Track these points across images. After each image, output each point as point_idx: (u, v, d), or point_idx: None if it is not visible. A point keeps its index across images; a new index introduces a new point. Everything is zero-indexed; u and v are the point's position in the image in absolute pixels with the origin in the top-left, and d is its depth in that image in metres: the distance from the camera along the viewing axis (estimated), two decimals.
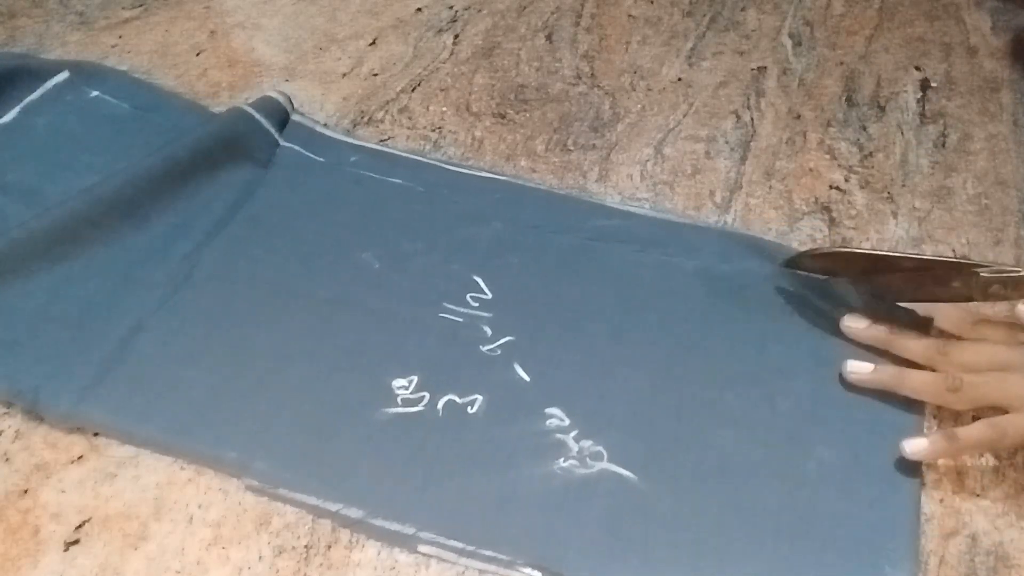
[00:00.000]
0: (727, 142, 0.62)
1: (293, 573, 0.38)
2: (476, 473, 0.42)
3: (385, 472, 0.42)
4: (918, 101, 0.67)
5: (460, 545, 0.39)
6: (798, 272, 0.51)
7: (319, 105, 0.63)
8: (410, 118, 0.63)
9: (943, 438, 0.42)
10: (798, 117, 0.65)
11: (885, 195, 0.58)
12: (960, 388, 0.42)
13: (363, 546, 0.40)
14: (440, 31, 0.72)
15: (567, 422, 0.44)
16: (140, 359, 0.46)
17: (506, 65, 0.69)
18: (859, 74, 0.69)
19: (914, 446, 0.42)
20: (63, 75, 0.62)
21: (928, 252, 0.54)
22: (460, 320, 0.49)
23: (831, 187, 0.59)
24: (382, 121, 0.63)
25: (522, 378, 0.46)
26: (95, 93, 0.61)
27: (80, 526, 0.40)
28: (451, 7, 0.74)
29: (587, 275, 0.52)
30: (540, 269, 0.52)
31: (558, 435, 0.44)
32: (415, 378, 0.46)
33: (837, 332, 0.48)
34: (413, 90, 0.66)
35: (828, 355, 0.47)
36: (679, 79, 0.68)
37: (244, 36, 0.70)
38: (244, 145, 0.58)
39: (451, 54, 0.69)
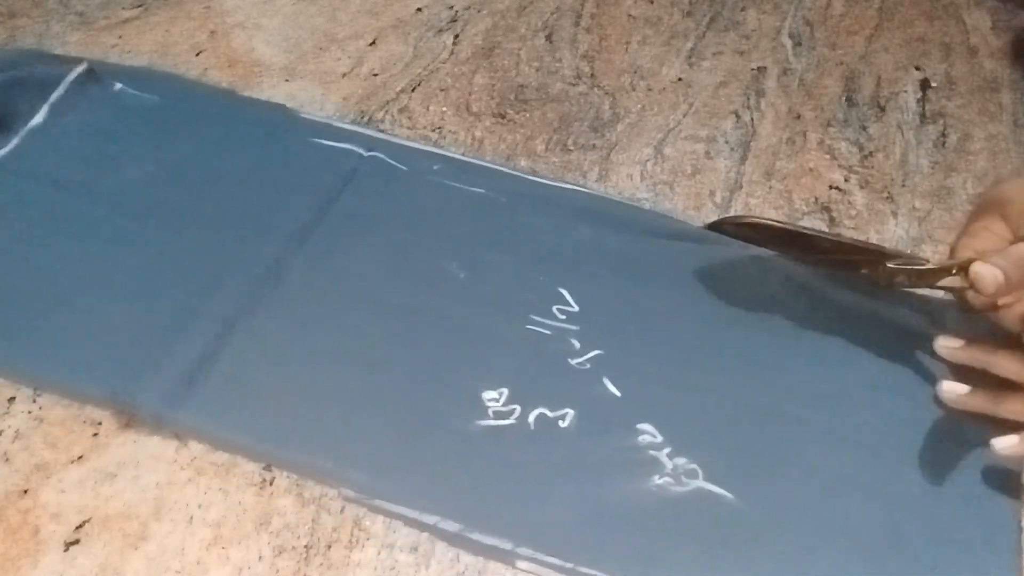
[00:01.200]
0: (727, 142, 0.62)
1: (293, 573, 0.38)
2: (571, 489, 0.42)
3: (480, 485, 0.42)
4: (918, 101, 0.67)
5: (559, 562, 0.39)
6: (720, 234, 0.53)
7: (319, 105, 0.63)
8: (410, 118, 0.63)
9: None
10: (798, 117, 0.65)
11: (885, 195, 0.58)
12: None
13: (363, 546, 0.40)
14: (440, 31, 0.72)
15: (659, 438, 0.44)
16: (230, 364, 0.45)
17: (506, 65, 0.69)
18: (859, 74, 0.69)
19: (1004, 443, 0.41)
20: (82, 67, 0.61)
21: (928, 252, 0.54)
22: (548, 332, 0.48)
23: (831, 187, 0.59)
24: (382, 121, 0.62)
25: (612, 393, 0.46)
26: (119, 85, 0.61)
27: (80, 526, 0.40)
28: (451, 7, 0.74)
29: (674, 286, 0.51)
30: (626, 280, 0.51)
31: (651, 452, 0.43)
32: (505, 391, 0.45)
33: (927, 350, 0.47)
34: (413, 90, 0.66)
35: (918, 370, 0.47)
36: (679, 79, 0.68)
37: (244, 36, 0.70)
38: (330, 153, 0.58)
39: (451, 54, 0.69)
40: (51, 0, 0.72)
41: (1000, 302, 0.43)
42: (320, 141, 0.59)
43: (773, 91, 0.67)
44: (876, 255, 0.47)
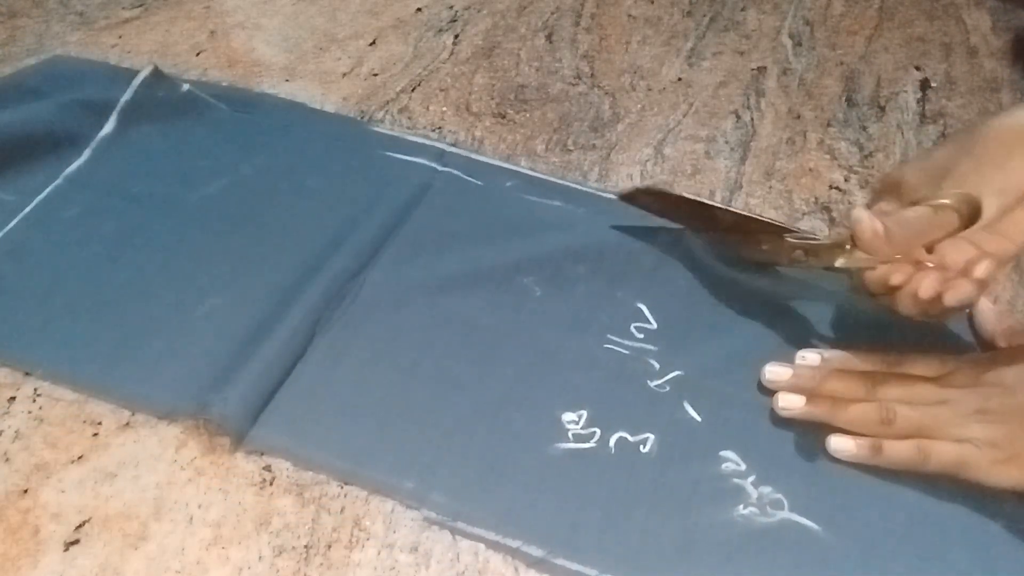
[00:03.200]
0: (727, 142, 0.62)
1: (293, 573, 0.38)
2: (655, 516, 0.41)
3: (563, 510, 0.41)
4: (918, 101, 0.67)
5: None
6: (632, 207, 0.53)
7: (319, 105, 0.63)
8: (410, 118, 0.63)
9: (869, 447, 0.42)
10: (798, 117, 0.65)
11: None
12: (894, 420, 0.42)
13: (363, 546, 0.40)
14: (440, 31, 0.72)
15: (743, 467, 0.43)
16: (309, 380, 0.45)
17: (506, 65, 0.69)
18: (859, 74, 0.69)
19: (839, 444, 0.43)
20: (148, 69, 0.60)
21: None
22: (626, 352, 0.47)
23: (831, 187, 0.59)
24: (382, 121, 0.62)
25: (693, 418, 0.45)
26: (186, 87, 0.61)
27: (80, 526, 0.40)
28: (451, 7, 0.74)
29: (754, 306, 0.50)
30: (705, 298, 0.50)
31: (735, 480, 0.42)
32: (584, 413, 0.44)
33: None
34: (413, 90, 0.66)
35: None
36: (679, 79, 0.68)
37: (244, 36, 0.70)
38: (404, 167, 0.57)
39: (451, 54, 0.69)
40: (51, 0, 0.72)
41: (892, 281, 0.43)
42: (393, 155, 0.58)
43: (773, 91, 0.67)
44: (773, 230, 0.48)
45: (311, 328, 0.47)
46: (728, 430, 0.44)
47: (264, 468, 0.42)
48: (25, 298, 0.48)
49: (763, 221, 0.50)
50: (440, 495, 0.41)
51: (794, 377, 0.45)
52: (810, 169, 0.60)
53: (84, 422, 0.44)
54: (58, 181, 0.54)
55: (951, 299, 0.41)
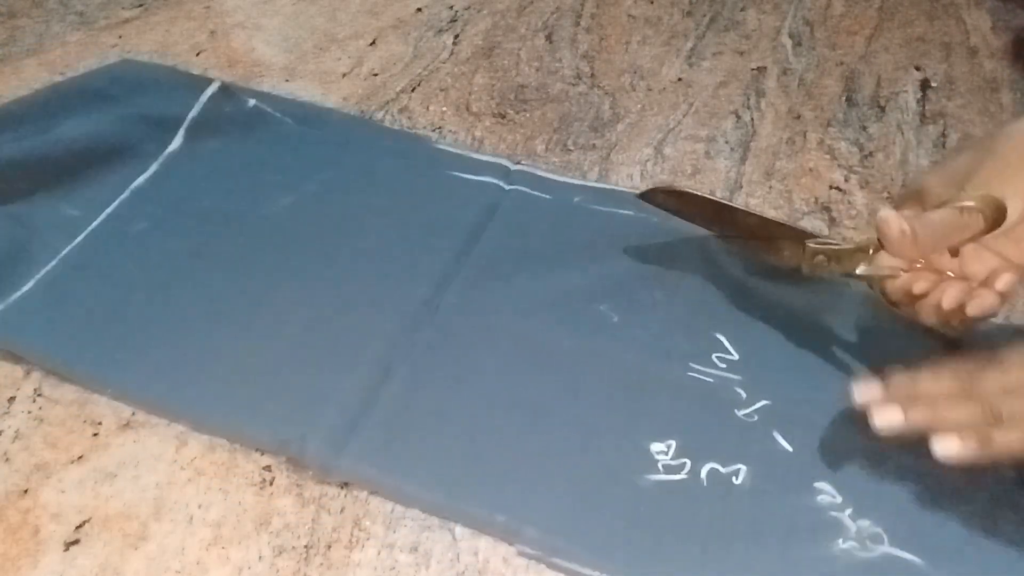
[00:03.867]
0: (727, 142, 0.62)
1: (293, 573, 0.38)
2: (755, 550, 0.39)
3: (659, 544, 0.40)
4: (918, 101, 0.67)
5: None
6: (650, 205, 0.52)
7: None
8: (410, 118, 0.63)
9: (977, 440, 0.39)
10: (798, 117, 0.65)
11: (885, 195, 0.58)
12: (1001, 415, 0.39)
13: (363, 546, 0.40)
14: (440, 31, 0.72)
15: (839, 499, 0.41)
16: (393, 410, 0.44)
17: (506, 65, 0.69)
18: (859, 74, 0.69)
19: (944, 446, 0.38)
20: (216, 84, 0.60)
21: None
22: (711, 381, 0.46)
23: (831, 187, 0.59)
24: (382, 121, 0.62)
25: (784, 448, 0.43)
26: (252, 102, 0.60)
27: (80, 526, 0.40)
28: (451, 7, 0.74)
29: (839, 330, 0.48)
30: (787, 322, 0.49)
31: (832, 512, 0.41)
32: (673, 443, 0.43)
33: None
34: (413, 90, 0.66)
35: None
36: (679, 79, 0.68)
37: (244, 36, 0.70)
38: (471, 186, 0.56)
39: (451, 54, 0.69)
40: (51, 0, 0.72)
41: (916, 289, 0.42)
42: (459, 174, 0.57)
43: (773, 91, 0.67)
44: (795, 234, 0.47)
45: (389, 354, 0.46)
46: (821, 461, 0.43)
47: (264, 468, 0.42)
48: (93, 314, 0.47)
49: (785, 226, 0.49)
50: (533, 530, 0.40)
51: (891, 388, 0.42)
52: (810, 169, 0.60)
53: (84, 422, 0.44)
54: (125, 195, 0.54)
55: (974, 310, 0.40)
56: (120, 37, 0.68)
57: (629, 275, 0.51)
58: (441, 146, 0.59)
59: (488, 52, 0.70)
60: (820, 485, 0.42)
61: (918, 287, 0.42)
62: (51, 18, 0.70)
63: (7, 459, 0.42)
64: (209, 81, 0.61)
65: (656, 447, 0.43)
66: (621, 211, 0.55)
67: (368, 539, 0.40)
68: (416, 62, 0.68)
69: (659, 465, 0.42)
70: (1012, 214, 0.40)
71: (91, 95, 0.59)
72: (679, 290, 0.51)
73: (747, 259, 0.52)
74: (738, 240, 0.52)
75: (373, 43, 0.70)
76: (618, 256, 0.52)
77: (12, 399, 0.45)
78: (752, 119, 0.64)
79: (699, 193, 0.52)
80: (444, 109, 0.64)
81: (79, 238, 0.51)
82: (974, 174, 0.41)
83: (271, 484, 0.42)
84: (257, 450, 0.43)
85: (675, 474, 0.42)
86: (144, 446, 0.43)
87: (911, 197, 0.44)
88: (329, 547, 0.40)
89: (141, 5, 0.72)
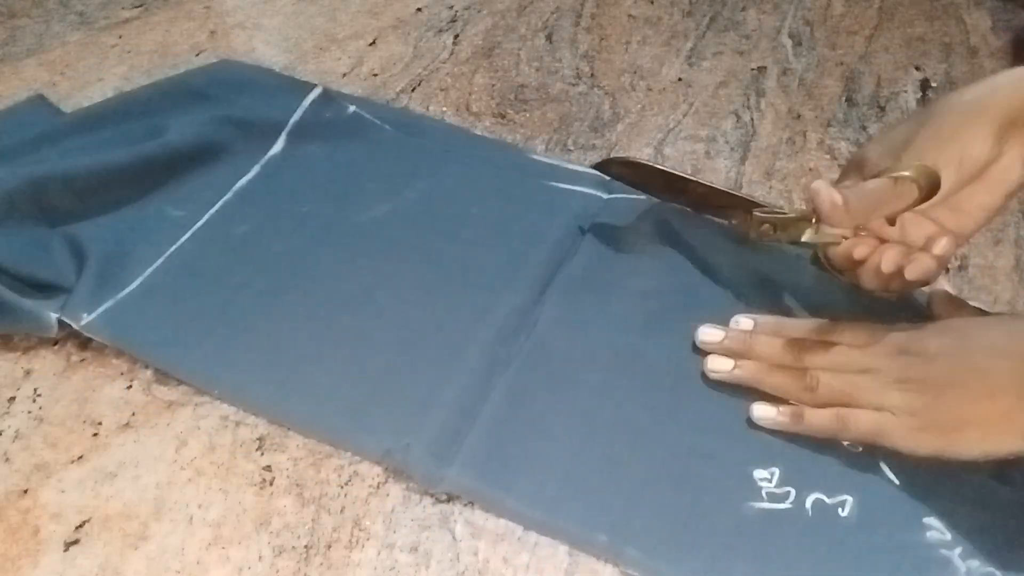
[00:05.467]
0: (727, 142, 0.62)
1: (293, 573, 0.38)
2: None
3: (763, 574, 0.39)
4: (918, 101, 0.67)
5: None
6: (607, 175, 0.55)
7: None
8: None
9: (790, 414, 0.43)
10: (798, 117, 0.65)
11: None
12: (816, 388, 0.43)
13: (363, 546, 0.40)
14: (440, 31, 0.72)
15: (948, 536, 0.40)
16: (493, 422, 0.43)
17: (506, 65, 0.69)
18: (859, 74, 0.69)
19: (761, 411, 0.44)
20: (317, 91, 0.60)
21: None
22: None
23: None
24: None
25: (891, 480, 0.42)
26: (352, 108, 0.60)
27: (80, 526, 0.40)
28: (451, 7, 0.74)
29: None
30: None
31: (941, 551, 0.40)
32: (776, 470, 0.42)
33: None
34: (413, 90, 0.66)
35: None
36: (679, 79, 0.68)
37: (244, 36, 0.70)
38: (568, 197, 0.56)
39: (451, 54, 0.69)
40: (51, 0, 0.72)
41: (856, 255, 0.43)
42: (556, 184, 0.56)
43: (773, 91, 0.67)
44: (745, 204, 0.49)
45: (488, 365, 0.46)
46: (929, 494, 0.42)
47: (264, 468, 0.42)
48: (197, 314, 0.47)
49: (732, 194, 0.51)
50: (635, 551, 0.39)
51: (726, 340, 0.46)
52: (810, 169, 0.60)
53: (84, 422, 0.44)
54: (228, 196, 0.54)
55: (912, 273, 0.42)
56: (120, 37, 0.68)
57: (731, 291, 0.50)
58: (537, 157, 0.59)
59: (488, 52, 0.70)
60: (928, 521, 0.41)
61: (858, 252, 0.43)
62: (51, 18, 0.70)
63: (7, 459, 0.42)
64: (309, 86, 0.61)
65: (759, 474, 0.42)
66: (724, 220, 0.54)
67: (368, 539, 0.40)
68: (416, 62, 0.68)
69: (763, 492, 0.42)
70: (946, 183, 0.41)
71: (192, 95, 0.60)
72: (776, 307, 0.50)
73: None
74: (688, 206, 0.53)
75: (373, 43, 0.70)
76: (719, 270, 0.51)
77: (12, 399, 0.45)
78: (752, 119, 0.64)
79: (651, 164, 0.54)
80: (444, 109, 0.64)
81: (183, 238, 0.51)
82: (910, 145, 0.42)
83: (271, 484, 0.42)
84: (358, 456, 0.43)
85: (779, 503, 0.41)
86: (144, 446, 0.43)
87: (854, 167, 0.46)
88: (329, 547, 0.40)
89: (141, 5, 0.72)
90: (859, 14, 0.76)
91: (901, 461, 0.42)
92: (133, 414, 0.44)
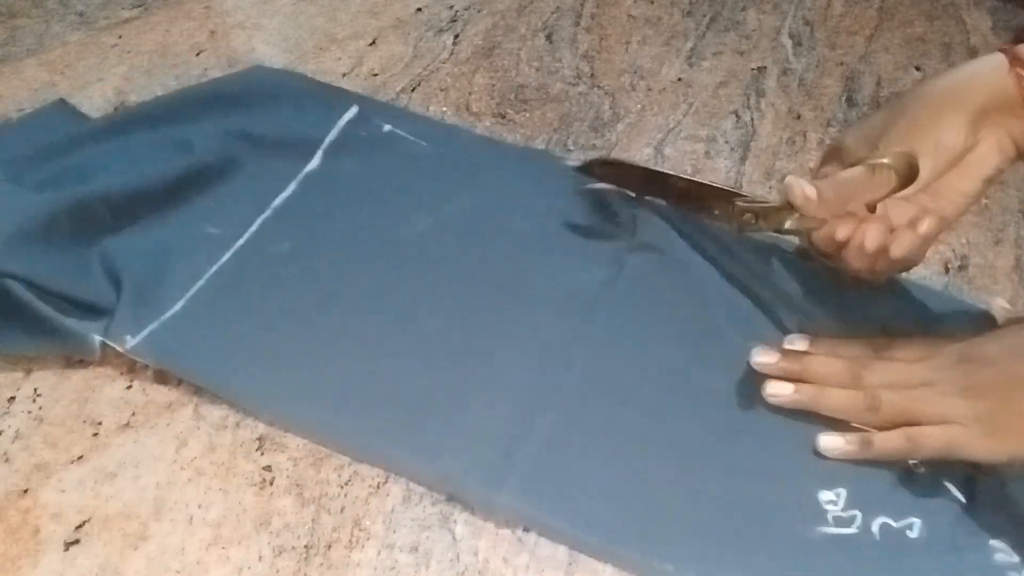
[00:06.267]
0: (727, 142, 0.62)
1: (293, 573, 0.38)
2: None
3: None
4: None
5: None
6: (590, 178, 0.54)
7: None
8: None
9: (859, 442, 0.42)
10: (798, 117, 0.65)
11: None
12: (880, 407, 0.42)
13: (363, 546, 0.40)
14: (440, 31, 0.72)
15: (1015, 558, 0.39)
16: (547, 446, 0.42)
17: (506, 65, 0.69)
18: (859, 74, 0.69)
19: (829, 442, 0.43)
20: (353, 110, 0.60)
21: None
22: None
23: None
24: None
25: (958, 499, 0.42)
26: (387, 127, 0.59)
27: (80, 526, 0.40)
28: (451, 7, 0.74)
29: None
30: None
31: (1010, 573, 0.39)
32: (843, 492, 0.41)
33: None
34: (413, 90, 0.66)
35: None
36: (679, 79, 0.68)
37: (244, 36, 0.70)
38: (609, 203, 0.54)
39: (451, 54, 0.69)
40: (51, 0, 0.72)
41: (838, 235, 0.43)
42: (603, 199, 0.55)
43: (773, 91, 0.67)
44: (726, 195, 0.48)
45: (539, 387, 0.45)
46: (996, 515, 0.41)
47: (264, 468, 0.42)
48: (244, 335, 0.46)
49: (712, 187, 0.50)
50: None
51: (782, 361, 0.45)
52: (810, 169, 0.60)
53: (84, 422, 0.44)
54: (267, 214, 0.53)
55: (897, 250, 0.42)
56: (120, 37, 0.68)
57: (777, 302, 0.49)
58: (571, 162, 0.57)
59: (488, 52, 0.70)
60: (996, 543, 0.40)
61: (840, 232, 0.43)
62: (51, 18, 0.70)
63: (7, 459, 0.42)
64: (344, 99, 0.60)
65: (825, 496, 0.41)
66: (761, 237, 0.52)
67: (368, 539, 0.40)
68: (416, 62, 0.68)
69: (829, 516, 0.41)
70: (923, 171, 0.41)
71: (225, 99, 0.59)
72: (833, 324, 0.48)
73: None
74: (672, 201, 0.53)
75: (373, 43, 0.70)
76: (768, 285, 0.50)
77: (12, 399, 0.45)
78: (752, 119, 0.64)
79: (630, 161, 0.55)
80: (444, 109, 0.64)
81: (224, 258, 0.50)
82: (887, 132, 0.42)
83: (271, 484, 0.42)
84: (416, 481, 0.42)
85: (846, 527, 0.40)
86: (144, 446, 0.43)
87: (832, 155, 0.46)
88: (329, 547, 0.40)
89: (141, 5, 0.72)
90: (859, 14, 0.76)
91: (966, 480, 0.41)
92: (133, 414, 0.44)
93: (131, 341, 0.45)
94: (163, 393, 0.45)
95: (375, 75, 0.67)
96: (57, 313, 0.44)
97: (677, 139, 0.62)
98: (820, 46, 0.72)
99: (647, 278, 0.51)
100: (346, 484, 0.42)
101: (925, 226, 0.42)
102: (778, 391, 0.44)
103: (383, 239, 0.52)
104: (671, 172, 0.53)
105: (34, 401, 0.45)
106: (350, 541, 0.40)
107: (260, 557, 0.39)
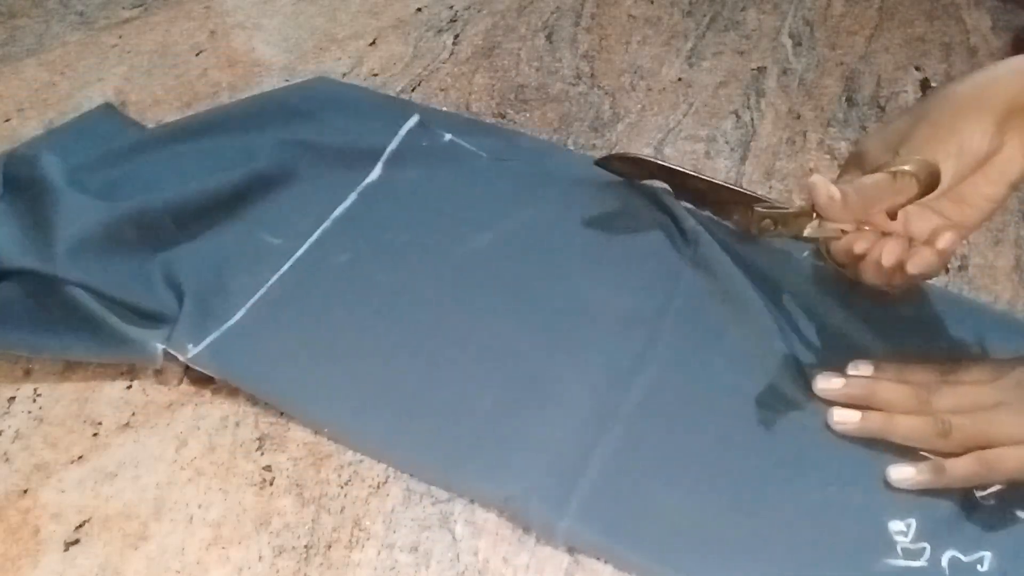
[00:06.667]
0: (727, 142, 0.62)
1: (293, 573, 0.38)
2: None
3: None
4: (918, 101, 0.66)
5: None
6: (609, 171, 0.55)
7: None
8: None
9: (931, 470, 0.41)
10: (798, 117, 0.65)
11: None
12: (951, 432, 0.41)
13: (363, 546, 0.40)
14: (440, 31, 0.72)
15: None
16: (609, 469, 0.41)
17: (506, 65, 0.69)
18: (859, 74, 0.69)
19: (900, 473, 0.42)
20: (414, 119, 0.59)
21: None
22: None
23: None
24: None
25: None
26: (448, 136, 0.59)
27: (80, 526, 0.40)
28: (451, 7, 0.74)
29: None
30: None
31: None
32: (913, 522, 0.40)
33: None
34: (413, 90, 0.66)
35: None
36: (679, 79, 0.68)
37: (244, 36, 0.70)
38: (673, 223, 0.54)
39: (451, 54, 0.69)
40: (51, 0, 0.72)
41: (856, 249, 0.43)
42: (661, 212, 0.54)
43: (773, 91, 0.67)
44: (746, 199, 0.48)
45: (600, 407, 0.44)
46: None
47: (264, 468, 0.42)
48: (304, 347, 0.46)
49: (733, 190, 0.50)
50: None
51: (847, 387, 0.44)
52: (810, 169, 0.60)
53: (84, 422, 0.44)
54: (327, 224, 0.52)
55: (913, 267, 0.41)
56: (120, 37, 0.68)
57: (843, 327, 0.48)
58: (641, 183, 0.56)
59: (488, 52, 0.70)
60: None
61: (858, 246, 0.43)
62: (51, 18, 0.70)
63: (7, 459, 0.42)
64: (405, 110, 0.60)
65: (896, 526, 0.40)
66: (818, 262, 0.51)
67: (368, 539, 0.40)
68: (416, 62, 0.68)
69: (898, 548, 0.39)
70: (946, 177, 0.40)
71: (289, 110, 0.59)
72: (896, 351, 0.47)
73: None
74: (690, 201, 0.53)
75: (373, 43, 0.70)
76: (823, 305, 0.49)
77: (12, 399, 0.45)
78: (752, 119, 0.64)
79: (652, 159, 0.54)
80: (444, 109, 0.64)
81: (284, 268, 0.50)
82: (909, 138, 0.41)
83: (271, 484, 0.42)
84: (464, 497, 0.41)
85: (914, 560, 0.39)
86: (144, 446, 0.43)
87: (853, 161, 0.45)
88: (329, 547, 0.40)
89: (141, 5, 0.72)
90: (859, 14, 0.76)
91: None
92: (133, 414, 0.44)
93: (192, 350, 0.45)
94: (163, 393, 0.45)
95: (375, 75, 0.67)
96: (120, 321, 0.44)
97: (677, 139, 0.62)
98: (820, 46, 0.72)
99: (704, 296, 0.50)
100: (346, 484, 0.42)
101: (944, 241, 0.41)
102: (846, 419, 0.43)
103: (443, 253, 0.52)
104: (692, 172, 0.53)
105: (34, 401, 0.45)
106: (350, 541, 0.40)
107: (260, 557, 0.39)
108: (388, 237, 0.52)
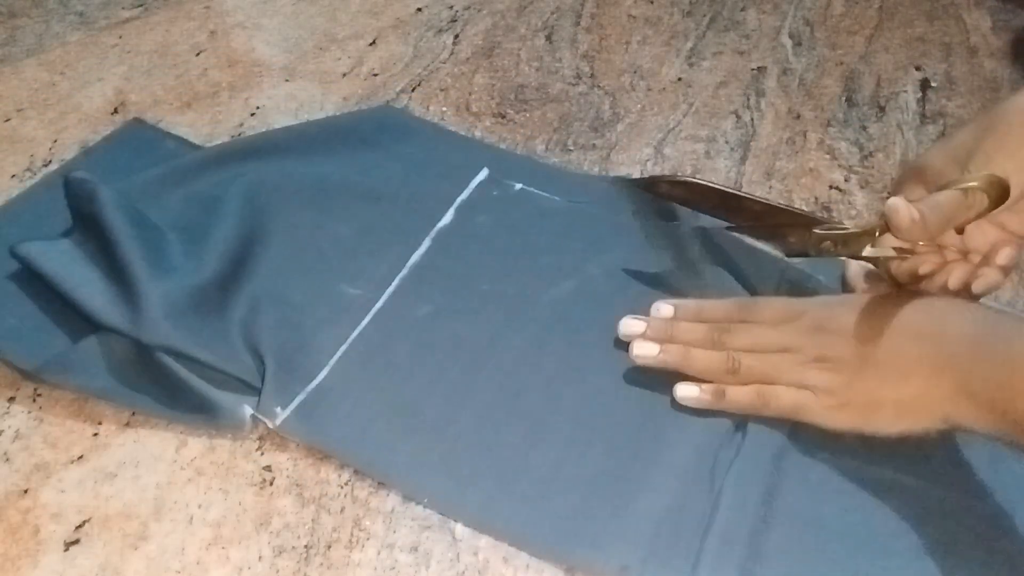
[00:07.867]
0: (727, 142, 0.62)
1: (293, 573, 0.38)
2: None
3: None
4: (918, 101, 0.67)
5: None
6: (654, 195, 0.54)
7: (319, 105, 0.63)
8: None
9: (713, 393, 0.44)
10: (798, 117, 0.65)
11: (885, 195, 0.58)
12: (739, 370, 0.44)
13: (363, 546, 0.40)
14: (440, 31, 0.72)
15: None
16: (731, 542, 0.40)
17: (506, 65, 0.69)
18: (859, 74, 0.69)
19: (684, 391, 0.45)
20: (483, 174, 0.57)
21: None
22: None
23: (831, 187, 0.59)
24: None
25: None
26: (519, 186, 0.57)
27: (80, 526, 0.40)
28: (451, 7, 0.74)
29: None
30: None
31: None
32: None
33: None
34: (413, 90, 0.66)
35: None
36: (679, 79, 0.68)
37: (244, 36, 0.70)
38: (765, 265, 0.52)
39: (451, 54, 0.69)
40: (51, 0, 0.72)
41: (921, 271, 0.43)
42: (742, 254, 0.52)
43: (773, 91, 0.67)
44: (804, 220, 0.48)
45: (710, 468, 0.42)
46: None
47: (264, 468, 0.42)
48: (390, 410, 0.44)
49: (792, 211, 0.49)
50: None
51: (649, 329, 0.46)
52: (810, 169, 0.60)
53: (84, 422, 0.44)
54: (404, 272, 0.51)
55: (979, 288, 0.42)
56: (120, 37, 0.68)
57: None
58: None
59: (488, 52, 0.70)
60: None
61: (924, 269, 0.43)
62: (51, 18, 0.70)
63: (7, 459, 0.42)
64: (472, 152, 0.59)
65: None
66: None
67: (368, 539, 0.40)
68: (416, 62, 0.68)
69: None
70: (1015, 191, 0.40)
71: (356, 138, 0.58)
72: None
73: None
74: (744, 225, 0.51)
75: (373, 43, 0.70)
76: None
77: (12, 399, 0.45)
78: (752, 119, 0.64)
79: (703, 182, 0.51)
80: (444, 109, 0.64)
81: (364, 321, 0.48)
82: (976, 151, 0.41)
83: (271, 484, 0.42)
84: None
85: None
86: (144, 446, 0.43)
87: (912, 176, 0.45)
88: (329, 547, 0.40)
89: (141, 5, 0.72)
90: (859, 14, 0.76)
91: None
92: (133, 414, 0.44)
93: (281, 414, 0.43)
94: None
95: (375, 75, 0.67)
96: (209, 386, 0.43)
97: (677, 139, 0.62)
98: (820, 46, 0.72)
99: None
100: (346, 484, 0.42)
101: (1003, 257, 0.42)
102: (644, 352, 0.46)
103: (526, 302, 0.50)
104: (747, 195, 0.51)
105: (34, 401, 0.45)
106: (350, 541, 0.40)
107: (260, 557, 0.39)
108: (468, 286, 0.51)
